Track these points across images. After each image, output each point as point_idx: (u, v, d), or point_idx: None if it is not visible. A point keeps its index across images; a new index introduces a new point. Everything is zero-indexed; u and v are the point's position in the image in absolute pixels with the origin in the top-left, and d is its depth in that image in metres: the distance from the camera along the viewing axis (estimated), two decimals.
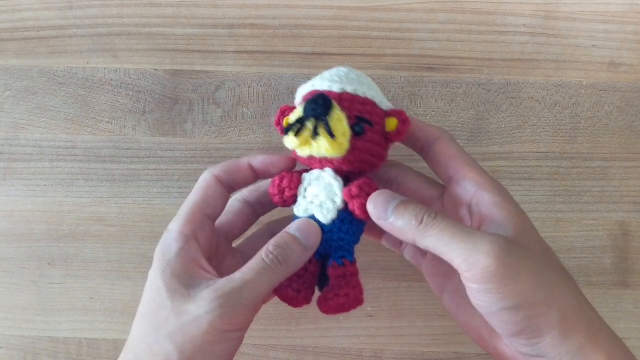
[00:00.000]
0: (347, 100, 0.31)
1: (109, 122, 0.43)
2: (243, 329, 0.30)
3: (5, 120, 0.43)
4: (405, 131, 0.32)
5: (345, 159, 0.31)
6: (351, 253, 0.33)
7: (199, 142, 0.43)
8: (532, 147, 0.42)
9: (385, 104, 0.33)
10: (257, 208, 0.36)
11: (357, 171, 0.32)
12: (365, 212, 0.31)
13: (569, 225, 0.42)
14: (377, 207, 0.30)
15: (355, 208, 0.31)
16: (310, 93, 0.32)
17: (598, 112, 0.43)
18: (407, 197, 0.31)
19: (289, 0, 0.43)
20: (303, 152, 0.31)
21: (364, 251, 0.42)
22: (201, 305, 0.29)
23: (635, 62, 0.43)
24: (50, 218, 0.43)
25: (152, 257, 0.32)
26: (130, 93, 0.43)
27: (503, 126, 0.43)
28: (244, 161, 0.34)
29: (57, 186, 0.43)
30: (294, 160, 0.34)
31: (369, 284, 0.42)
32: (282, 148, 0.33)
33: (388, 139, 0.33)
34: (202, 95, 0.43)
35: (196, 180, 0.34)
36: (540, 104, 0.43)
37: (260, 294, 0.30)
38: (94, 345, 0.42)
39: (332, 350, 0.42)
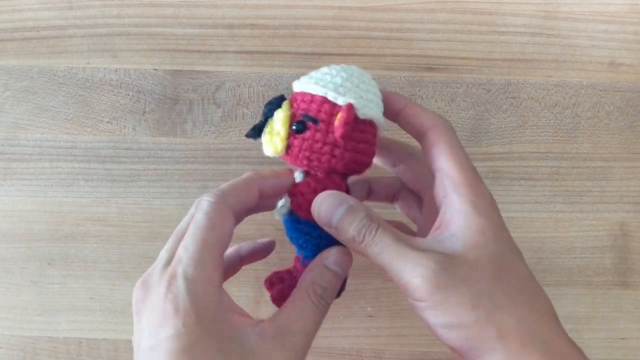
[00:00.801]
0: (296, 100, 0.31)
1: (109, 122, 0.43)
2: None
3: (5, 120, 0.43)
4: (343, 126, 0.30)
5: (289, 156, 0.31)
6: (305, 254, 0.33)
7: (199, 142, 0.43)
8: (532, 147, 0.42)
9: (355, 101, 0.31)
10: (238, 212, 0.32)
11: (316, 171, 0.32)
12: (303, 211, 0.31)
13: (569, 225, 0.42)
14: (321, 215, 0.29)
15: (292, 206, 0.32)
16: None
17: (598, 112, 0.43)
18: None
19: (289, 0, 0.43)
20: (265, 151, 0.32)
21: None
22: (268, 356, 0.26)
23: (635, 62, 0.43)
24: (50, 218, 0.43)
25: (152, 257, 0.30)
26: (130, 93, 0.43)
27: (503, 126, 0.43)
28: (254, 188, 0.30)
29: (57, 186, 0.43)
30: (291, 171, 0.33)
31: (369, 284, 0.42)
32: None
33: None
34: (202, 95, 0.43)
35: (196, 180, 0.33)
36: (540, 104, 0.43)
37: (313, 337, 0.29)
38: (94, 345, 0.42)
39: (332, 350, 0.42)
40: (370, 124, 0.31)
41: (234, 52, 0.43)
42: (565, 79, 0.43)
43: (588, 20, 0.43)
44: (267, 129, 0.31)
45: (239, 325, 0.27)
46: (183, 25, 0.43)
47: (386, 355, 0.42)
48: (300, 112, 0.31)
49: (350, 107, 0.30)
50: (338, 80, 0.31)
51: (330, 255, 0.30)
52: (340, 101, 0.30)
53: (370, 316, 0.42)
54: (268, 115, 0.31)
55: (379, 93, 0.32)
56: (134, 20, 0.43)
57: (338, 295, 0.33)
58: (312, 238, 0.31)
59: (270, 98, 0.32)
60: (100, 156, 0.43)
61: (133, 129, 0.43)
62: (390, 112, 0.33)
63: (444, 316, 0.27)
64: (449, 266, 0.27)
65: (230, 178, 0.31)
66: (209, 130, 0.43)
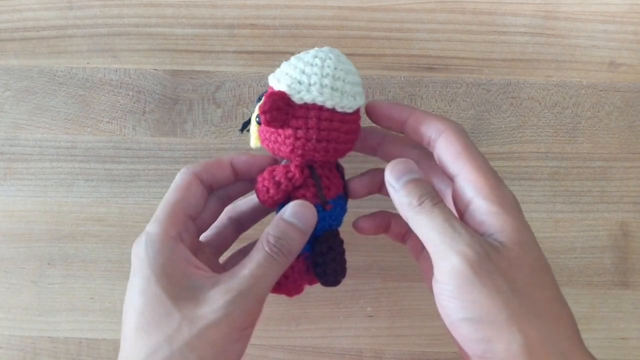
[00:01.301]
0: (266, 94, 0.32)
1: (109, 122, 0.43)
2: (254, 324, 0.30)
3: (5, 120, 0.43)
4: (264, 113, 0.30)
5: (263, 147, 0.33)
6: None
7: (199, 142, 0.43)
8: (532, 147, 0.42)
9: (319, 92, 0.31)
10: (224, 198, 0.35)
11: (307, 160, 0.32)
12: (260, 194, 0.32)
13: (569, 225, 0.42)
14: (393, 173, 0.30)
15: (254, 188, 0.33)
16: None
17: (598, 112, 0.43)
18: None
19: (289, 0, 0.43)
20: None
21: (364, 251, 0.42)
22: (216, 308, 0.28)
23: (635, 62, 0.43)
24: (50, 218, 0.43)
25: None
26: (130, 93, 0.43)
27: (503, 126, 0.43)
28: (226, 160, 0.33)
29: (57, 186, 0.43)
30: (275, 160, 0.34)
31: (369, 284, 0.42)
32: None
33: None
34: (202, 95, 0.43)
35: None
36: (540, 104, 0.43)
37: (269, 286, 0.30)
38: (94, 345, 0.42)
39: (332, 350, 0.42)
40: (334, 112, 0.31)
41: (234, 52, 0.43)
42: (565, 79, 0.43)
43: (588, 20, 0.43)
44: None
45: (193, 276, 0.29)
46: (183, 25, 0.43)
47: (386, 355, 0.42)
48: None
49: (270, 95, 0.31)
50: (296, 74, 0.31)
51: (287, 209, 0.31)
52: (297, 98, 0.31)
53: (370, 316, 0.42)
54: (252, 111, 0.33)
55: (351, 78, 0.32)
56: (134, 20, 0.43)
57: (337, 281, 0.33)
58: None
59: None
60: (100, 156, 0.43)
61: (133, 129, 0.43)
62: (396, 123, 0.33)
63: (471, 309, 0.26)
64: (491, 258, 0.26)
65: None
66: (209, 130, 0.43)
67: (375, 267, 0.42)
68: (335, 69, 0.31)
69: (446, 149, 0.30)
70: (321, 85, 0.31)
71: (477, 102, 0.43)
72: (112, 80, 0.43)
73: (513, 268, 0.26)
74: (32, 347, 0.42)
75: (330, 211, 0.33)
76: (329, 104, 0.31)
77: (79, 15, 0.43)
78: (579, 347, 0.27)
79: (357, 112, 0.33)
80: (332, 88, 0.31)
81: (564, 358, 0.26)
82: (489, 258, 0.26)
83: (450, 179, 0.31)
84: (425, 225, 0.28)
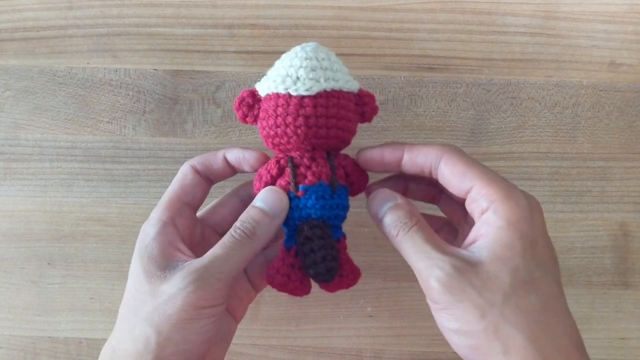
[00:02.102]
0: None
1: (109, 122, 0.43)
2: (217, 305, 0.30)
3: (5, 120, 0.43)
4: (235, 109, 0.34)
5: None
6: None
7: (199, 142, 0.43)
8: (532, 147, 0.42)
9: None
10: (246, 199, 0.36)
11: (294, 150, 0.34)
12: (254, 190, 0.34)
13: (569, 225, 0.42)
14: (372, 209, 0.32)
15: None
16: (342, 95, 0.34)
17: (598, 112, 0.43)
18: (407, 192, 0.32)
19: (289, 0, 0.43)
20: None
21: (364, 251, 0.42)
22: (174, 284, 0.29)
23: (635, 62, 0.43)
24: (50, 218, 0.43)
25: None
26: (130, 93, 0.43)
27: (503, 126, 0.43)
28: (220, 153, 0.35)
29: (57, 186, 0.43)
30: (266, 156, 0.34)
31: (369, 284, 0.42)
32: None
33: None
34: (202, 95, 0.43)
35: None
36: (540, 104, 0.43)
37: (232, 268, 0.30)
38: (94, 345, 0.42)
39: (332, 350, 0.42)
40: (327, 96, 0.32)
41: (234, 52, 0.43)
42: (565, 79, 0.43)
43: (588, 20, 0.43)
44: None
45: (172, 257, 0.31)
46: (183, 25, 0.43)
47: (386, 355, 0.42)
48: None
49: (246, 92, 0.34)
50: (275, 71, 0.34)
51: (258, 195, 0.32)
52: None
53: (370, 316, 0.42)
54: None
55: (326, 63, 0.33)
56: (134, 20, 0.43)
57: (323, 275, 0.32)
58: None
59: None
60: (100, 156, 0.43)
61: (133, 129, 0.43)
62: (392, 165, 0.33)
63: (454, 321, 0.28)
64: (466, 273, 0.27)
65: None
66: (209, 130, 0.43)
67: (375, 267, 0.42)
68: (307, 58, 0.33)
69: (450, 172, 0.31)
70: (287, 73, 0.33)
71: (477, 102, 0.43)
72: (112, 80, 0.43)
73: (490, 282, 0.27)
74: (32, 347, 0.42)
75: (306, 199, 0.32)
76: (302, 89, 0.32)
77: (79, 15, 0.43)
78: (572, 354, 0.27)
79: (334, 93, 0.33)
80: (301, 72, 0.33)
81: None
82: (462, 275, 0.27)
83: (460, 197, 0.31)
84: (406, 254, 0.30)
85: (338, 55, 0.44)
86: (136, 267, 0.31)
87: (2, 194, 0.43)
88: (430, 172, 0.32)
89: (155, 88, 0.43)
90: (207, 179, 0.35)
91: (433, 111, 0.43)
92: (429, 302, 0.29)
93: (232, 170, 0.35)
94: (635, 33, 0.43)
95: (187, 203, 0.34)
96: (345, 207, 0.33)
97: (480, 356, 0.27)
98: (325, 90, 0.32)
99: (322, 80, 0.32)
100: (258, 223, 0.31)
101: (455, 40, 0.43)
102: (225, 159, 0.35)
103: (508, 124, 0.43)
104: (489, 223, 0.29)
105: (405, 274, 0.42)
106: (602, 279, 0.42)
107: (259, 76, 0.43)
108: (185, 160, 0.42)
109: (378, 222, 0.32)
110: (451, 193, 0.32)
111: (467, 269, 0.28)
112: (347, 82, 0.34)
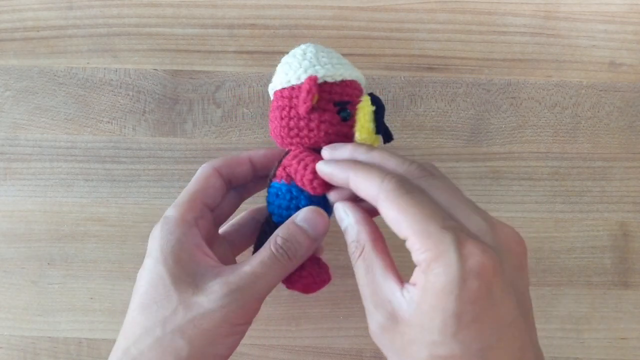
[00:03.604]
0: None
1: (109, 122, 0.43)
2: (250, 322, 0.30)
3: (5, 120, 0.43)
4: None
5: None
6: None
7: (199, 142, 0.43)
8: (532, 147, 0.42)
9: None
10: (242, 192, 0.36)
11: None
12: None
13: (569, 225, 0.42)
14: (340, 221, 0.31)
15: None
16: (357, 84, 0.33)
17: (598, 112, 0.43)
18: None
19: (289, 0, 0.43)
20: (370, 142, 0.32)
21: None
22: (213, 299, 0.28)
23: (635, 62, 0.43)
24: (50, 218, 0.43)
25: None
26: (130, 93, 0.43)
27: (503, 126, 0.43)
28: (244, 155, 0.34)
29: (57, 186, 0.43)
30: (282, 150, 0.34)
31: None
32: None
33: None
34: (202, 95, 0.43)
35: None
36: (540, 104, 0.43)
37: (270, 287, 0.30)
38: (94, 345, 0.42)
39: (332, 350, 0.42)
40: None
41: (234, 52, 0.43)
42: (565, 79, 0.43)
43: (588, 20, 0.43)
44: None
45: (200, 262, 0.30)
46: (183, 25, 0.43)
47: None
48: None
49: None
50: (283, 68, 0.33)
51: (300, 213, 0.31)
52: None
53: None
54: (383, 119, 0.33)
55: (335, 55, 0.33)
56: (134, 20, 0.43)
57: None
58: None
59: (378, 100, 0.32)
60: (100, 156, 0.43)
61: (133, 129, 0.43)
62: (342, 184, 0.30)
63: (398, 356, 0.26)
64: (390, 331, 0.26)
65: None
66: (209, 130, 0.43)
67: None
68: (316, 52, 0.33)
69: (386, 216, 0.27)
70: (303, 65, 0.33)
71: (477, 102, 0.43)
72: (112, 80, 0.43)
73: (409, 348, 0.25)
74: (32, 347, 0.42)
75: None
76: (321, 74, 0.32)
77: (79, 15, 0.43)
78: None
79: (347, 83, 0.33)
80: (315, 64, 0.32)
81: None
82: (386, 333, 0.26)
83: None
84: (357, 278, 0.29)
85: None
86: (159, 270, 0.29)
87: (2, 194, 0.43)
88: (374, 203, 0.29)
89: (155, 88, 0.43)
90: (227, 182, 0.34)
91: (433, 111, 0.43)
92: None
93: (254, 173, 0.35)
94: (635, 33, 0.43)
95: (207, 205, 0.33)
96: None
97: None
98: (344, 80, 0.33)
99: (347, 69, 0.33)
100: (300, 244, 0.31)
101: (455, 40, 0.43)
102: (249, 160, 0.34)
103: (508, 124, 0.43)
104: (418, 281, 0.26)
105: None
106: (602, 279, 0.42)
107: (259, 76, 0.43)
108: (185, 161, 0.43)
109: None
110: None
111: (391, 328, 0.26)
112: (358, 76, 0.34)
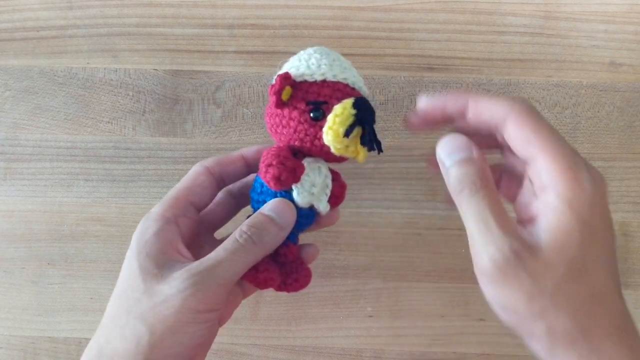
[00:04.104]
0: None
1: (109, 122, 0.43)
2: (215, 310, 0.30)
3: (5, 120, 0.43)
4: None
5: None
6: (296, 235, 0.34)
7: (199, 142, 0.43)
8: None
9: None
10: (240, 199, 0.36)
11: (334, 162, 0.33)
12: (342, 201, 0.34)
13: None
14: (443, 151, 0.29)
15: (340, 200, 0.34)
16: (344, 86, 0.32)
17: (598, 112, 0.43)
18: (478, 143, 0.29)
19: (289, 0, 0.43)
20: (339, 151, 0.31)
21: (364, 251, 0.42)
22: (173, 285, 0.28)
23: (635, 62, 0.43)
24: (50, 218, 0.43)
25: None
26: (130, 93, 0.43)
27: None
28: (237, 154, 0.34)
29: (57, 186, 0.43)
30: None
31: (369, 284, 0.42)
32: None
33: None
34: (202, 95, 0.43)
35: None
36: (540, 104, 0.43)
37: (234, 273, 0.30)
38: None
39: (332, 350, 0.42)
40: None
41: (234, 52, 0.43)
42: (565, 79, 0.43)
43: (588, 20, 0.43)
44: (358, 135, 0.32)
45: (171, 256, 0.30)
46: (183, 25, 0.43)
47: (386, 355, 0.42)
48: None
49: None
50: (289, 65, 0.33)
51: (267, 204, 0.32)
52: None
53: (370, 316, 0.42)
54: (369, 123, 0.32)
55: (339, 58, 0.33)
56: (134, 20, 0.43)
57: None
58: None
59: (365, 103, 0.32)
60: (100, 156, 0.43)
61: (133, 129, 0.43)
62: (452, 115, 0.30)
63: (500, 296, 0.27)
64: (523, 258, 0.26)
65: None
66: (209, 130, 0.43)
67: (375, 267, 0.42)
68: (321, 54, 0.33)
69: (516, 135, 0.28)
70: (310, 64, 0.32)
71: None
72: (112, 80, 0.43)
73: (546, 269, 0.26)
74: (32, 347, 0.42)
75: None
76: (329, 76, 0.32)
77: (79, 15, 0.43)
78: (618, 343, 0.27)
79: (328, 84, 0.32)
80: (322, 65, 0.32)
81: (592, 347, 0.26)
82: (519, 259, 0.26)
83: (527, 163, 0.29)
84: (465, 215, 0.28)
85: None
86: (132, 263, 0.30)
87: (2, 194, 0.43)
88: (497, 130, 0.29)
89: (155, 88, 0.43)
90: (219, 180, 0.34)
91: None
92: (475, 270, 0.28)
93: (247, 171, 0.35)
94: (635, 33, 0.43)
95: (193, 203, 0.33)
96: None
97: (523, 330, 0.27)
98: (325, 80, 0.32)
99: (340, 71, 0.32)
100: (266, 231, 0.31)
101: (455, 40, 0.43)
102: (242, 157, 0.34)
103: None
104: (550, 204, 0.27)
105: (405, 274, 0.42)
106: None
107: (259, 76, 0.43)
108: (185, 161, 0.43)
109: (443, 168, 0.29)
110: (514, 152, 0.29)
111: (524, 255, 0.26)
112: (349, 79, 0.33)
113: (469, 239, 0.28)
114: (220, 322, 0.34)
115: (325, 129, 0.30)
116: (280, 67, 0.34)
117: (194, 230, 0.34)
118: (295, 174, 0.31)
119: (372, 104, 0.32)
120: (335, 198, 0.33)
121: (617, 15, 0.43)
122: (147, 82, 0.43)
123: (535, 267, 0.26)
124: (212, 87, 0.43)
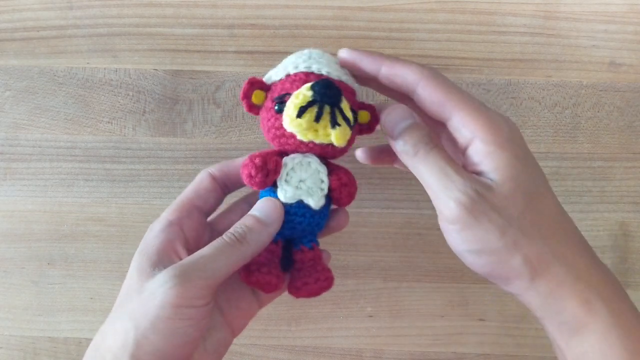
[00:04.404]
0: (345, 90, 0.31)
1: (109, 122, 0.43)
2: (197, 306, 0.29)
3: (5, 120, 0.43)
4: (375, 127, 0.33)
5: (338, 147, 0.31)
6: (316, 237, 0.34)
7: (199, 142, 0.43)
8: (532, 147, 0.42)
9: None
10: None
11: (331, 157, 0.33)
12: (350, 199, 0.33)
13: None
14: (388, 123, 0.31)
15: (343, 196, 0.33)
16: (306, 75, 0.31)
17: (598, 112, 0.43)
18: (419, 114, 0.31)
19: (289, 0, 0.43)
20: (305, 136, 0.30)
21: (364, 251, 0.42)
22: (156, 281, 0.29)
23: (635, 62, 0.43)
24: (50, 218, 0.43)
25: None
26: (130, 93, 0.43)
27: None
28: (239, 160, 0.35)
29: (57, 186, 0.43)
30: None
31: (369, 284, 0.42)
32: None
33: (360, 130, 0.33)
34: (202, 95, 0.43)
35: None
36: (540, 104, 0.43)
37: (216, 269, 0.30)
38: None
39: (332, 350, 0.42)
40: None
41: (234, 52, 0.43)
42: (565, 79, 0.43)
43: (588, 20, 0.43)
44: (325, 115, 0.32)
45: (168, 257, 0.31)
46: (183, 25, 0.43)
47: (386, 355, 0.42)
48: (350, 104, 0.32)
49: (375, 108, 0.33)
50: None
51: (255, 205, 0.32)
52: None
53: (370, 316, 0.42)
54: (330, 101, 0.31)
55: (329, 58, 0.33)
56: (134, 20, 0.43)
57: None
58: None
59: (322, 82, 0.31)
60: (100, 156, 0.43)
61: (133, 129, 0.43)
62: (368, 73, 0.32)
63: (474, 242, 0.29)
64: (486, 195, 0.28)
65: None
66: (209, 130, 0.43)
67: (375, 267, 0.42)
68: (296, 55, 0.33)
69: (428, 99, 0.30)
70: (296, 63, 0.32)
71: None
72: (112, 80, 0.43)
73: (507, 201, 0.29)
74: (32, 347, 0.42)
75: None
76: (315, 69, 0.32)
77: (79, 15, 0.43)
78: (585, 257, 0.29)
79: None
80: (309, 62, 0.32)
81: (566, 265, 0.28)
82: (482, 198, 0.28)
83: (440, 123, 0.31)
84: (423, 173, 0.30)
85: None
86: (132, 263, 0.31)
87: (2, 194, 0.43)
88: (406, 95, 0.32)
89: (155, 88, 0.43)
90: (223, 186, 0.35)
91: None
92: (442, 224, 0.30)
93: None
94: (635, 33, 0.43)
95: (198, 207, 0.34)
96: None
97: (502, 271, 0.29)
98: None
99: (334, 70, 0.32)
100: (250, 229, 0.31)
101: (455, 40, 0.43)
102: None
103: None
104: (481, 152, 0.29)
105: (405, 274, 0.42)
106: None
107: (259, 76, 0.43)
108: (185, 161, 0.43)
109: (393, 138, 0.31)
110: (431, 117, 0.31)
111: (486, 192, 0.28)
112: (334, 71, 0.33)
113: (430, 195, 0.30)
114: (234, 331, 0.34)
115: (283, 116, 0.30)
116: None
117: (200, 233, 0.34)
118: (265, 170, 0.31)
119: (355, 86, 0.33)
120: (334, 192, 0.32)
121: (617, 15, 0.43)
122: (147, 82, 0.43)
123: (498, 202, 0.28)
124: (212, 87, 0.43)
